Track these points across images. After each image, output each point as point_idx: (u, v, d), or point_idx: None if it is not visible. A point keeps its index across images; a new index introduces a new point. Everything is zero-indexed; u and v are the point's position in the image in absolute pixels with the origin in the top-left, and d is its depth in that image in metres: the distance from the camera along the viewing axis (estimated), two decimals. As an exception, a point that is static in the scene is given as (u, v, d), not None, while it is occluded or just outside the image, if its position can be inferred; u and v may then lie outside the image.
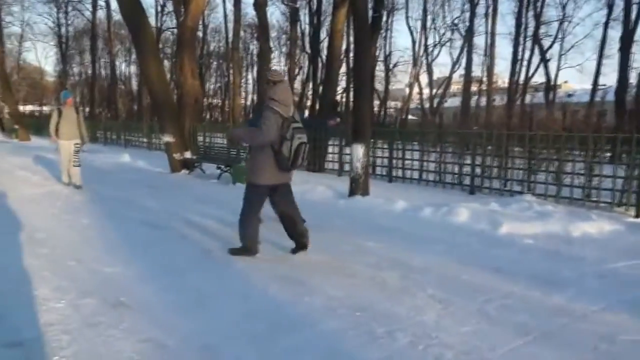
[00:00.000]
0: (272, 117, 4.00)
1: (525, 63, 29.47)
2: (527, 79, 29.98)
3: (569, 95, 33.50)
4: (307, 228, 4.51)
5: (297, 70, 33.69)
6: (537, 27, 28.53)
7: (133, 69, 43.48)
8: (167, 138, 10.91)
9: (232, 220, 4.79)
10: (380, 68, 33.74)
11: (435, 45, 34.77)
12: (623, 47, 21.41)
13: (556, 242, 5.16)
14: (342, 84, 28.32)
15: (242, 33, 31.05)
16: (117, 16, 33.53)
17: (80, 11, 38.00)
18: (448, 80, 34.54)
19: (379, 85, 34.44)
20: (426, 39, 33.73)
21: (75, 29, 40.39)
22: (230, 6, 29.01)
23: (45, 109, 42.60)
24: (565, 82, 42.78)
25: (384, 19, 29.23)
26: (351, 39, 23.32)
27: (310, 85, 27.95)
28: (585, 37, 65.66)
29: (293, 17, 27.61)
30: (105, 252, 4.39)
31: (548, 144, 8.21)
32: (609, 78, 56.48)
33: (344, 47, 21.95)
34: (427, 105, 34.86)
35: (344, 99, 29.93)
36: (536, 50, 29.23)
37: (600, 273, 4.13)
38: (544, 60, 29.69)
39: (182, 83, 12.10)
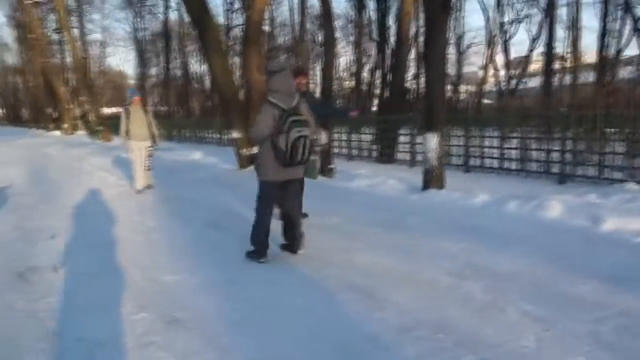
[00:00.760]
0: (266, 111, 3.80)
1: (615, 35, 26.76)
2: (618, 52, 27.18)
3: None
4: (303, 233, 4.23)
5: (364, 59, 33.02)
6: (628, -7, 25.66)
7: (205, 67, 44.93)
8: (235, 134, 10.91)
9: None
10: (451, 51, 32.17)
11: (511, 23, 32.56)
12: None
13: (676, 242, 4.33)
14: (412, 70, 27.24)
15: (309, 25, 30.88)
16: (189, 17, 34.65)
17: (155, 14, 39.85)
18: (527, 58, 32.20)
19: (451, 69, 32.86)
20: (502, 16, 31.70)
21: (152, 32, 42.45)
22: (295, -2, 28.88)
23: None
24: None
25: (455, -2, 27.73)
26: (420, 22, 22.32)
27: (379, 73, 27.12)
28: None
29: (359, 3, 26.90)
30: (167, 258, 4.25)
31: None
32: None
33: (413, 31, 21.04)
34: (503, 87, 32.78)
35: (414, 86, 28.79)
36: (628, 20, 26.37)
37: None
38: (637, 30, 26.72)
39: (248, 78, 12.03)
